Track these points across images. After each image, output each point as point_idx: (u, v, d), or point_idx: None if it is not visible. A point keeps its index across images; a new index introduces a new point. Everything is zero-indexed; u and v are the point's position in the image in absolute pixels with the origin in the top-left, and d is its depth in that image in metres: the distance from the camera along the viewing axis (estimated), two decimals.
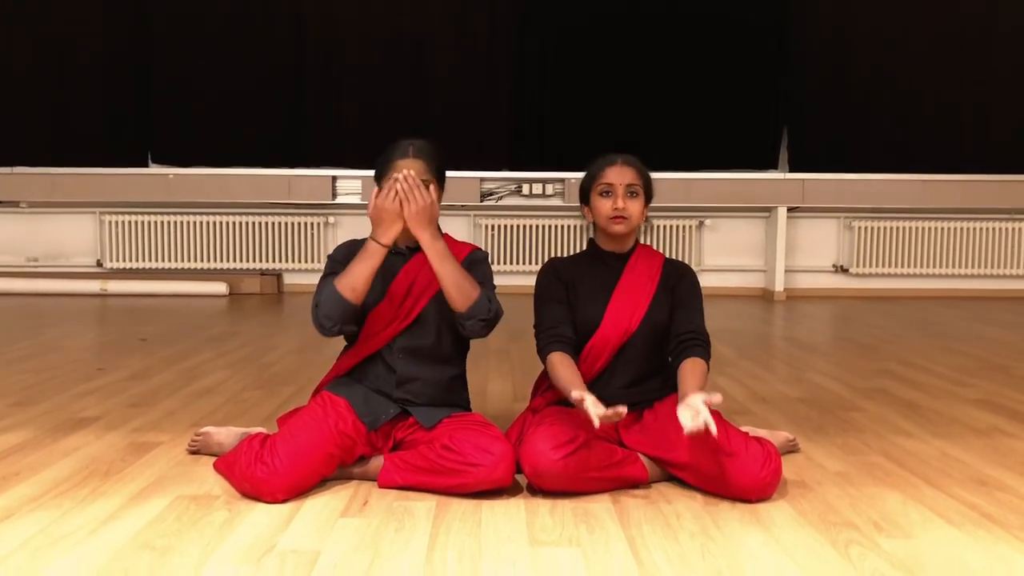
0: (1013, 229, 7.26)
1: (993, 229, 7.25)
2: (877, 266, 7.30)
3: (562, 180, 7.06)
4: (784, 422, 2.93)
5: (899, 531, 1.94)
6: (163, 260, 7.23)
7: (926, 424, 2.94)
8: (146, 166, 7.04)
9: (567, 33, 6.90)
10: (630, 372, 2.39)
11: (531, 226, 7.21)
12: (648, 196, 2.42)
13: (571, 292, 2.41)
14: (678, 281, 2.43)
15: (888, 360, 4.20)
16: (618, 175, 2.36)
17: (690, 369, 2.26)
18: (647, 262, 2.44)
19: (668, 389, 2.41)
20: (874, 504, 2.12)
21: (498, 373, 3.77)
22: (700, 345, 2.33)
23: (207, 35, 6.86)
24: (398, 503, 2.09)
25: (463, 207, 7.11)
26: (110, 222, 7.18)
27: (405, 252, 2.40)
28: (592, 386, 2.37)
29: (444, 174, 2.39)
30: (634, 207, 2.36)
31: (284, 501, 2.08)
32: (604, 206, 2.36)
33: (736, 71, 6.95)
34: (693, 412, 2.02)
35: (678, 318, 2.38)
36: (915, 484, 2.28)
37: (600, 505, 2.09)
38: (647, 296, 2.38)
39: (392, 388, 2.36)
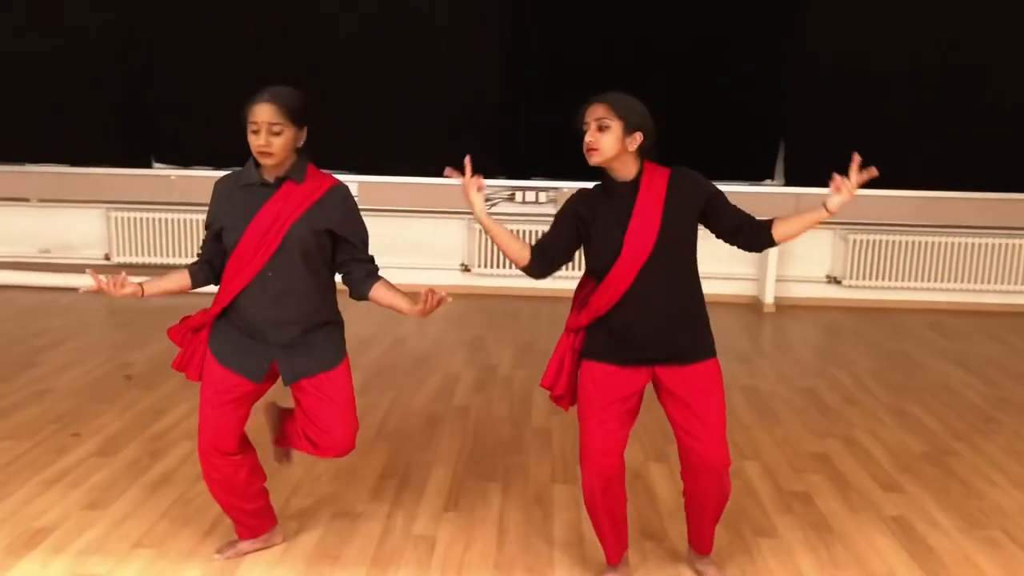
0: (1009, 245, 7.20)
1: (989, 245, 7.20)
2: (869, 279, 7.30)
3: (556, 188, 7.10)
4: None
5: None
6: (169, 255, 7.44)
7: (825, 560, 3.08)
8: (149, 167, 7.22)
9: (561, 44, 6.84)
10: (654, 301, 2.60)
11: (525, 232, 7.27)
12: (631, 126, 2.56)
13: (591, 226, 2.63)
14: (690, 189, 2.64)
15: (838, 431, 4.30)
16: (590, 112, 2.58)
17: (787, 226, 2.67)
18: (655, 180, 2.61)
19: (703, 351, 2.70)
20: None
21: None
22: (753, 221, 2.69)
23: (207, 39, 6.91)
24: None
25: (456, 213, 7.21)
26: (116, 218, 7.40)
27: (273, 184, 2.69)
28: (621, 340, 2.66)
29: (302, 116, 2.65)
30: (605, 139, 2.54)
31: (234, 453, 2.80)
32: (584, 141, 2.57)
33: (736, 84, 6.85)
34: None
35: (725, 220, 2.68)
36: None
37: None
38: (657, 216, 2.56)
39: (266, 325, 2.73)
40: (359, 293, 2.83)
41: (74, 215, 7.50)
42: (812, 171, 6.91)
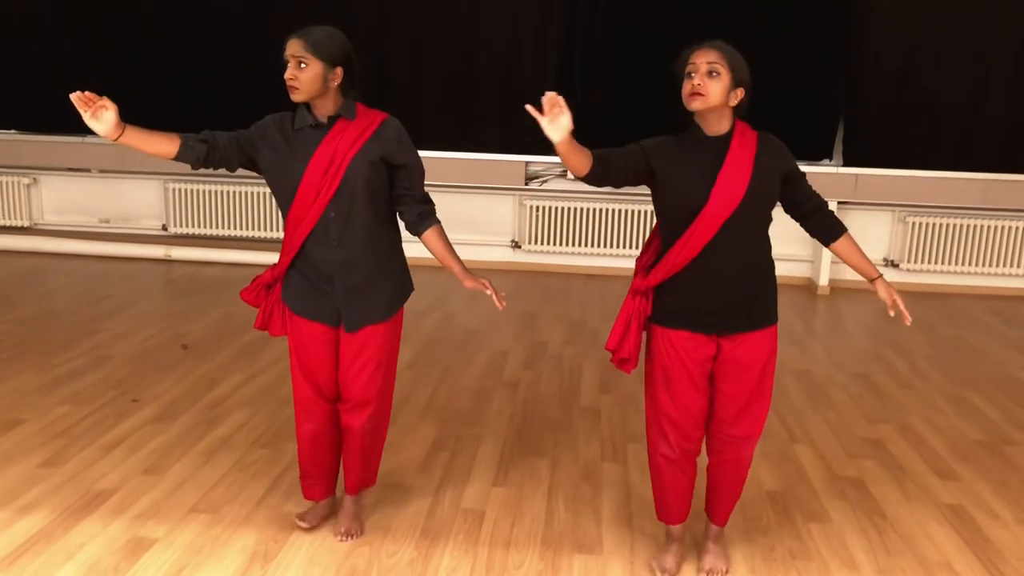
0: None
1: None
2: (928, 262, 7.13)
3: None
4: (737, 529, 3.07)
5: None
6: (226, 227, 7.54)
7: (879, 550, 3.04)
8: None
9: (615, 20, 6.76)
10: (728, 264, 2.57)
11: (576, 208, 7.25)
12: (737, 80, 2.53)
13: (667, 173, 2.58)
14: (776, 155, 2.62)
15: (893, 417, 4.23)
16: (700, 55, 2.51)
17: (848, 248, 2.74)
18: (747, 139, 2.60)
19: (766, 318, 2.67)
20: None
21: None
22: (828, 209, 2.76)
23: (261, 12, 6.96)
24: None
25: (507, 189, 7.20)
26: (174, 189, 7.52)
27: (326, 124, 2.71)
28: (692, 304, 2.62)
29: (331, 53, 2.64)
30: (713, 86, 2.49)
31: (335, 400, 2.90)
32: (686, 86, 2.52)
33: (795, 63, 6.71)
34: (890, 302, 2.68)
35: (799, 197, 2.70)
36: None
37: None
38: (748, 170, 2.53)
39: (333, 268, 2.73)
40: (414, 231, 2.86)
41: (133, 186, 7.64)
42: (871, 152, 6.83)
